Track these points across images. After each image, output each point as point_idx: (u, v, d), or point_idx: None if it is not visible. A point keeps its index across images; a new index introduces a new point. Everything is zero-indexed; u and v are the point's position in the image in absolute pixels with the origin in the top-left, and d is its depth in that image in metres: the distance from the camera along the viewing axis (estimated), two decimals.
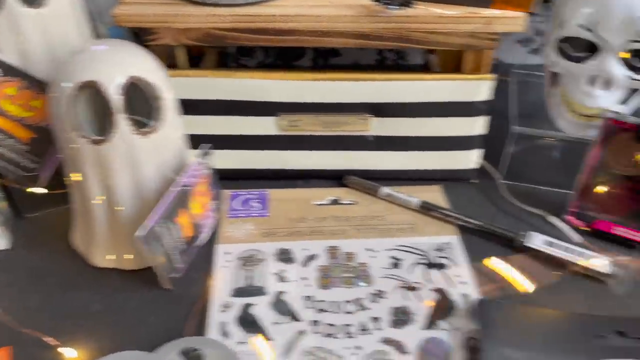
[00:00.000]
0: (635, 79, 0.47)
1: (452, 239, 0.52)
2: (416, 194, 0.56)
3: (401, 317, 0.44)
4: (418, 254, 0.50)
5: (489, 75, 0.52)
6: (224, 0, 0.48)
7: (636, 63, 0.47)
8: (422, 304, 0.46)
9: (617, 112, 0.48)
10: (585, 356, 0.41)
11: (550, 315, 0.44)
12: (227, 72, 0.53)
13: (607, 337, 0.43)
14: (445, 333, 0.43)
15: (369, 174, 0.57)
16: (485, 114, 0.54)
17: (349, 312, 0.45)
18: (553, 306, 0.46)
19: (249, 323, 0.44)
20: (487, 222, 0.52)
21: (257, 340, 0.42)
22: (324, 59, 0.79)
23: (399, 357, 0.41)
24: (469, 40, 0.50)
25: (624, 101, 0.51)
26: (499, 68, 0.61)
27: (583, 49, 0.48)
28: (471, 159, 0.57)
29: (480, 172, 0.59)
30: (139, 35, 0.53)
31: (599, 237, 0.52)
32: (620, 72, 0.47)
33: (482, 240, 0.52)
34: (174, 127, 0.45)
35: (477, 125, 0.55)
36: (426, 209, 0.53)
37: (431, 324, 0.44)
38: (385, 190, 0.55)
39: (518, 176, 0.58)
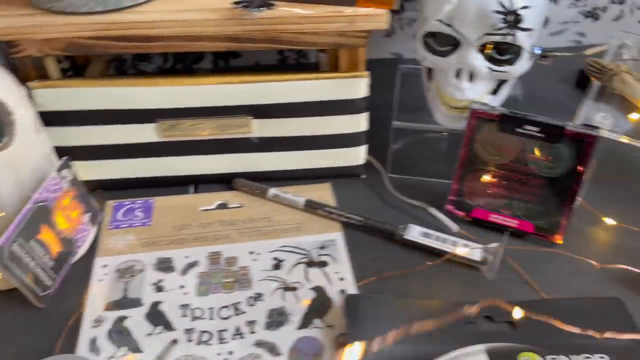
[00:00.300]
0: (496, 71, 0.49)
1: (336, 235, 0.52)
2: (305, 193, 0.56)
3: (277, 319, 0.45)
4: (300, 254, 0.50)
5: (364, 73, 0.52)
6: (82, 9, 0.47)
7: (496, 55, 0.48)
8: (300, 304, 0.46)
9: (482, 104, 0.50)
10: (454, 343, 0.43)
11: (419, 306, 0.45)
12: (100, 81, 0.52)
13: (476, 322, 0.45)
14: (319, 331, 0.44)
15: (260, 175, 0.57)
16: (366, 110, 0.55)
17: (224, 318, 0.45)
18: (430, 295, 0.47)
19: (120, 337, 0.43)
20: (368, 217, 0.53)
21: (126, 354, 0.42)
22: (225, 60, 0.78)
23: (272, 359, 0.42)
24: (339, 39, 0.50)
25: (495, 92, 0.53)
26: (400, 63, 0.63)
27: (446, 43, 0.49)
28: (358, 155, 0.58)
29: (368, 167, 0.60)
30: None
31: (478, 225, 0.53)
32: (481, 64, 0.49)
33: (366, 235, 0.53)
34: (31, 143, 0.44)
35: (360, 122, 0.55)
36: (310, 207, 0.54)
37: (307, 323, 0.44)
38: (272, 191, 0.55)
39: (405, 169, 0.59)
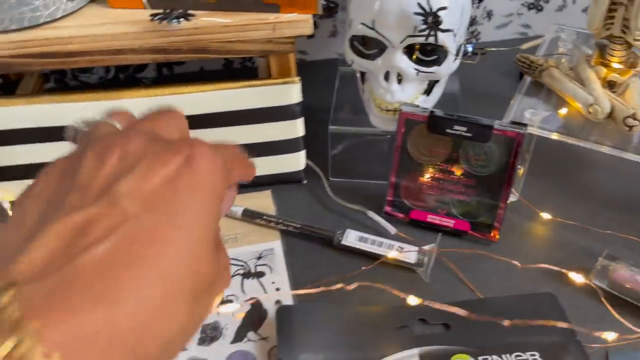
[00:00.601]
0: (424, 72, 0.49)
1: (274, 244, 0.52)
2: (246, 202, 0.55)
3: (210, 334, 0.44)
4: (237, 265, 0.50)
5: (295, 78, 0.52)
6: None
7: (422, 56, 0.48)
8: (234, 317, 0.46)
9: (411, 105, 0.50)
10: (388, 349, 0.43)
11: (352, 313, 0.45)
12: (25, 99, 0.51)
13: (410, 326, 0.45)
14: (253, 344, 0.43)
15: None
16: (301, 115, 0.54)
17: None
18: (367, 300, 0.47)
19: None
20: (306, 224, 0.52)
21: None
22: (169, 68, 0.77)
23: None
24: (266, 45, 0.50)
25: (428, 92, 0.53)
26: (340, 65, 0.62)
27: (372, 46, 0.49)
28: (297, 161, 0.57)
29: (310, 172, 0.59)
30: None
31: (416, 226, 0.53)
32: (408, 66, 0.48)
33: (305, 242, 0.52)
34: None
35: (296, 128, 0.55)
36: (248, 216, 0.53)
37: (241, 336, 0.44)
38: None
39: (346, 172, 0.59)
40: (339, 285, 0.48)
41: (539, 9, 0.80)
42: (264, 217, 0.53)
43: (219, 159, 0.30)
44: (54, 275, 0.23)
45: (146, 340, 0.23)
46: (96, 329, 0.22)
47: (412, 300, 0.46)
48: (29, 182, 0.45)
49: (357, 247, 0.50)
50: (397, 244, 0.50)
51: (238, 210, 0.54)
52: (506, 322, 0.42)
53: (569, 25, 0.62)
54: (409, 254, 0.48)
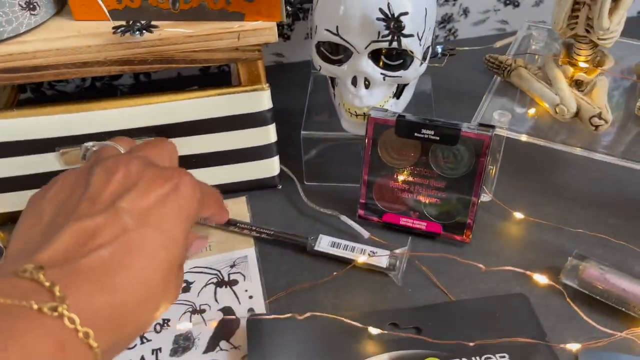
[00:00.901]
0: (390, 76, 0.49)
1: (248, 252, 0.52)
2: None
3: (182, 344, 0.44)
4: (210, 274, 0.50)
5: (264, 85, 0.52)
6: None
7: (388, 61, 0.48)
8: (207, 326, 0.46)
9: (379, 109, 0.50)
10: (359, 354, 0.43)
11: (323, 321, 0.45)
12: None
13: (382, 331, 0.45)
14: (225, 354, 0.44)
15: None
16: (272, 122, 0.54)
17: (129, 348, 0.44)
18: (339, 306, 0.47)
19: None
20: (280, 230, 0.52)
21: None
22: (146, 75, 0.77)
23: None
24: (233, 54, 0.49)
25: (398, 96, 0.53)
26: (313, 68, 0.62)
27: (339, 52, 0.49)
28: (271, 167, 0.57)
29: (285, 177, 0.59)
30: None
31: (390, 229, 0.53)
32: (374, 71, 0.48)
33: (278, 248, 0.52)
34: None
35: (268, 134, 0.55)
36: (221, 224, 0.53)
37: (213, 346, 0.44)
38: None
39: (321, 176, 0.59)
40: (311, 292, 0.48)
41: (516, 5, 0.80)
42: (238, 224, 0.53)
43: (198, 191, 0.38)
44: (71, 265, 0.30)
45: (130, 323, 0.31)
46: (100, 309, 0.29)
47: (386, 305, 0.47)
48: (5, 195, 0.44)
49: (330, 252, 0.50)
50: (369, 248, 0.50)
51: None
52: (476, 330, 0.42)
53: (545, 20, 0.62)
54: (381, 258, 0.48)
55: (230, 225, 0.53)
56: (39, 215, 0.35)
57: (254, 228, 0.53)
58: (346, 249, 0.50)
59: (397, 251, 0.49)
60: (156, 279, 0.33)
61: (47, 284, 0.28)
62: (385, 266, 0.48)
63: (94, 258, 0.31)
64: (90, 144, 0.43)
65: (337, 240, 0.50)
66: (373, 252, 0.49)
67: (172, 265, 0.34)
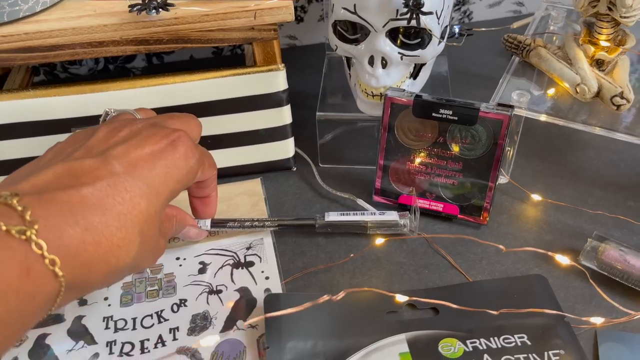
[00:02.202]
0: (408, 55, 0.48)
1: (264, 234, 0.51)
2: (236, 189, 0.56)
3: (199, 324, 0.44)
4: (227, 256, 0.50)
5: (279, 66, 0.51)
6: None
7: (406, 39, 0.48)
8: (224, 307, 0.46)
9: (397, 90, 0.49)
10: (376, 334, 0.43)
11: (339, 301, 0.45)
12: (8, 94, 0.50)
13: (398, 311, 0.45)
14: (242, 333, 0.44)
15: None
16: (287, 103, 0.54)
17: (147, 327, 0.44)
18: (356, 287, 0.47)
19: (41, 355, 0.43)
20: (284, 217, 0.52)
21: None
22: (158, 58, 0.77)
23: None
24: (249, 33, 0.49)
25: (414, 76, 0.52)
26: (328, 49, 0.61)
27: (356, 31, 0.48)
28: (286, 148, 0.57)
29: (300, 159, 0.59)
30: None
31: (405, 211, 0.53)
32: (391, 50, 0.48)
33: (294, 231, 0.52)
34: None
35: (283, 115, 0.55)
36: (217, 225, 0.50)
37: (230, 325, 0.44)
38: None
39: (336, 159, 0.58)
40: (327, 273, 0.48)
41: None
42: (236, 222, 0.50)
43: (198, 151, 0.39)
44: (48, 194, 0.30)
45: (101, 263, 0.31)
46: (70, 242, 0.30)
47: (401, 286, 0.46)
48: None
49: (340, 220, 0.49)
50: (378, 211, 0.50)
51: (207, 222, 0.49)
52: (494, 311, 0.42)
53: (560, 2, 0.61)
54: (392, 215, 0.49)
55: (226, 223, 0.50)
56: (39, 160, 0.37)
57: (255, 223, 0.50)
58: (355, 215, 0.49)
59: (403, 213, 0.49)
60: (133, 228, 0.33)
61: (19, 208, 0.29)
62: (397, 220, 0.48)
63: (74, 193, 0.31)
64: (111, 109, 0.45)
65: (345, 212, 0.50)
66: (382, 213, 0.49)
67: (152, 219, 0.35)
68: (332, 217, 0.50)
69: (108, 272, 0.32)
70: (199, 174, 0.40)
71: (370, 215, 0.49)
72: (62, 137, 0.54)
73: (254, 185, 0.57)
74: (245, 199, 0.55)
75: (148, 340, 0.43)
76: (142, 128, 0.38)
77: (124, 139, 0.36)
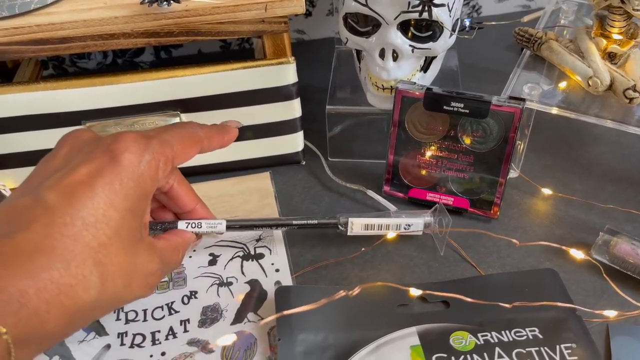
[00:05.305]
0: (419, 48, 0.48)
1: None
2: (245, 183, 0.56)
3: (210, 316, 0.44)
4: (237, 247, 0.50)
5: (289, 59, 0.51)
6: None
7: (417, 32, 0.47)
8: (234, 299, 0.46)
9: (407, 83, 0.49)
10: (387, 328, 0.43)
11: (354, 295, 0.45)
12: (18, 86, 0.50)
13: (409, 304, 0.45)
14: (252, 325, 0.44)
15: (197, 170, 0.56)
16: (297, 96, 0.54)
17: (158, 319, 0.44)
18: (366, 281, 0.47)
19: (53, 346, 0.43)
20: (304, 217, 0.48)
21: None
22: (166, 52, 0.77)
23: (204, 357, 0.42)
24: (259, 26, 0.49)
25: (425, 69, 0.52)
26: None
27: (367, 23, 0.48)
28: (295, 142, 0.57)
29: (309, 152, 0.59)
30: None
31: (416, 205, 0.53)
32: (403, 43, 0.47)
33: None
34: None
35: (293, 109, 0.54)
36: (232, 227, 0.47)
37: (240, 317, 0.44)
38: (182, 224, 0.46)
39: (346, 152, 0.58)
40: (338, 266, 0.48)
41: None
42: (249, 222, 0.48)
43: (147, 152, 0.34)
44: None
45: (54, 311, 0.28)
46: (9, 297, 0.27)
47: (413, 279, 0.46)
48: (28, 169, 0.45)
49: (363, 234, 0.49)
50: (403, 223, 0.49)
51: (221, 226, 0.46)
52: (506, 304, 0.42)
53: None
54: (417, 225, 0.48)
55: (244, 226, 0.48)
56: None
57: (273, 223, 0.48)
58: (380, 229, 0.48)
59: (427, 220, 0.48)
60: (85, 262, 0.30)
61: None
62: (422, 230, 0.48)
63: (6, 242, 0.29)
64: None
65: (369, 221, 0.48)
66: (408, 226, 0.48)
67: (108, 246, 0.31)
68: (356, 230, 0.48)
69: (66, 314, 0.29)
70: (160, 173, 0.36)
71: (394, 230, 0.48)
72: (71, 129, 0.54)
73: (263, 179, 0.57)
74: (255, 192, 0.55)
75: (159, 331, 0.44)
76: (82, 145, 0.35)
77: (60, 164, 0.33)
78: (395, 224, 0.49)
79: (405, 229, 0.48)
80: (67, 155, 0.34)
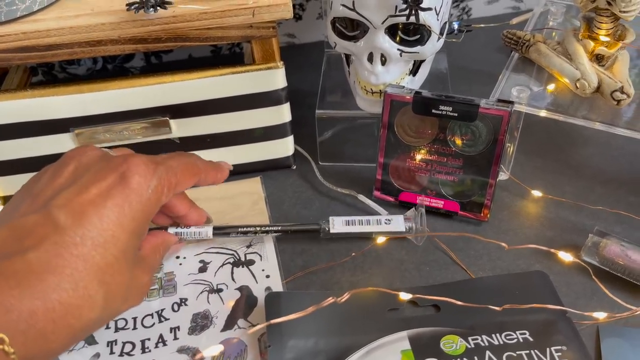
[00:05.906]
0: (407, 52, 0.48)
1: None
2: (236, 188, 0.55)
3: (200, 323, 0.44)
4: (227, 254, 0.50)
5: (278, 63, 0.51)
6: None
7: (405, 36, 0.47)
8: (225, 305, 0.46)
9: (396, 86, 0.49)
10: (378, 332, 0.42)
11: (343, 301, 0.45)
12: (5, 94, 0.50)
13: (399, 309, 0.45)
14: (243, 332, 0.44)
15: None
16: (286, 101, 0.54)
17: (148, 327, 0.44)
18: (357, 285, 0.47)
19: None
20: (287, 223, 0.50)
21: None
22: (157, 57, 0.77)
23: None
24: (247, 31, 0.49)
25: (414, 73, 0.52)
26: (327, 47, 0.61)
27: (354, 28, 0.48)
28: (285, 146, 0.57)
29: (300, 157, 0.59)
30: None
31: (406, 208, 0.53)
32: (390, 47, 0.47)
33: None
34: None
35: (283, 113, 0.54)
36: (220, 232, 0.49)
37: (231, 324, 0.44)
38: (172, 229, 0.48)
39: (336, 156, 0.58)
40: (328, 271, 0.48)
41: None
42: (240, 229, 0.49)
43: (155, 177, 0.36)
44: None
45: (61, 329, 0.29)
46: (19, 316, 0.27)
47: (403, 283, 0.46)
48: (16, 177, 0.45)
49: (346, 231, 0.49)
50: (383, 217, 0.49)
51: (208, 230, 0.48)
52: (496, 307, 0.42)
53: None
54: (398, 224, 0.48)
55: (227, 230, 0.49)
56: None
57: (258, 230, 0.49)
58: (361, 224, 0.49)
59: (409, 213, 0.48)
60: (91, 282, 0.30)
61: None
62: (403, 230, 0.48)
63: (18, 260, 0.29)
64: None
65: (350, 218, 0.49)
66: (388, 220, 0.49)
67: (114, 265, 0.32)
68: (338, 227, 0.49)
69: (71, 333, 0.30)
70: (163, 198, 0.37)
71: (376, 225, 0.49)
72: (61, 137, 0.54)
73: (254, 184, 0.57)
74: (245, 197, 0.55)
75: (149, 339, 0.43)
76: (90, 163, 0.35)
77: (68, 181, 0.33)
78: (375, 219, 0.49)
79: (386, 223, 0.49)
80: (75, 171, 0.34)
